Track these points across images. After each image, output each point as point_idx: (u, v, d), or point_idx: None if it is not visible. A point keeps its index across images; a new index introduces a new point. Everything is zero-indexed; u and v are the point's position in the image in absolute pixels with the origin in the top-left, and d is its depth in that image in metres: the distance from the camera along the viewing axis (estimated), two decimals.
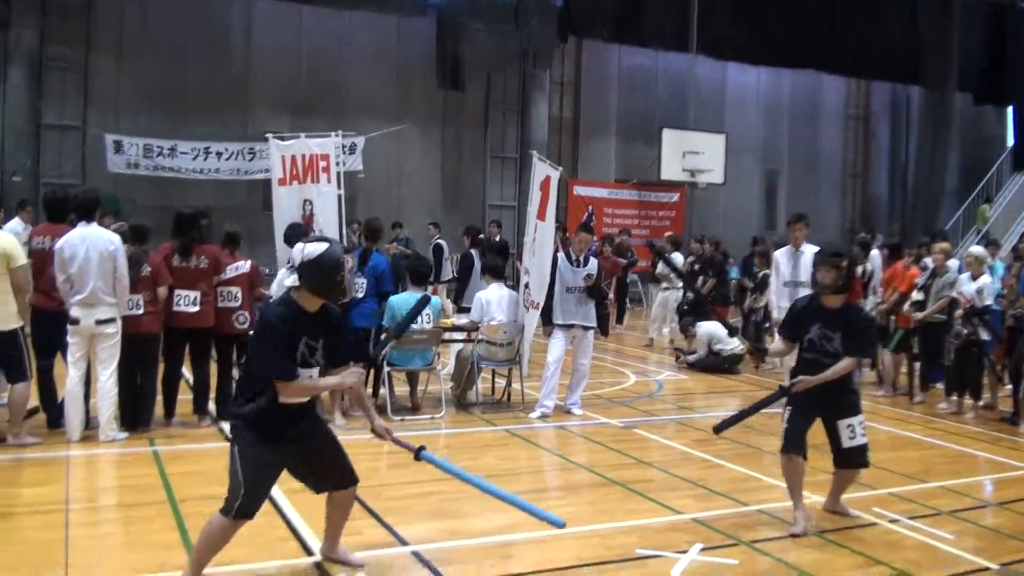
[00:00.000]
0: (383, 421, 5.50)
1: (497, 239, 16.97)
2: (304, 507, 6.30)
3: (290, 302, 4.92)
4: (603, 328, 17.53)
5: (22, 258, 7.89)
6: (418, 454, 5.38)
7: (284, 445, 4.98)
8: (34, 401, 8.38)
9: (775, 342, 7.07)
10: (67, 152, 21.73)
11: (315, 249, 4.86)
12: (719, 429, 6.62)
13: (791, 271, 10.47)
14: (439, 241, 18.13)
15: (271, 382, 4.83)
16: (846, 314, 6.35)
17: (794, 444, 6.36)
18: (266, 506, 6.24)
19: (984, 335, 10.49)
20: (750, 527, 6.32)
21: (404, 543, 5.78)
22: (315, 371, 4.99)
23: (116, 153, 20.81)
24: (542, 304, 10.23)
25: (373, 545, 5.67)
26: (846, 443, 6.37)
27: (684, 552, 5.70)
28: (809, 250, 10.50)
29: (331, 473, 5.27)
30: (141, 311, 8.42)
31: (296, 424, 5.01)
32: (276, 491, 6.39)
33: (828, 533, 6.21)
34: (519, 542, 5.91)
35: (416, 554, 5.61)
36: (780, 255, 10.68)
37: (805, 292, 10.06)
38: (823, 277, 6.32)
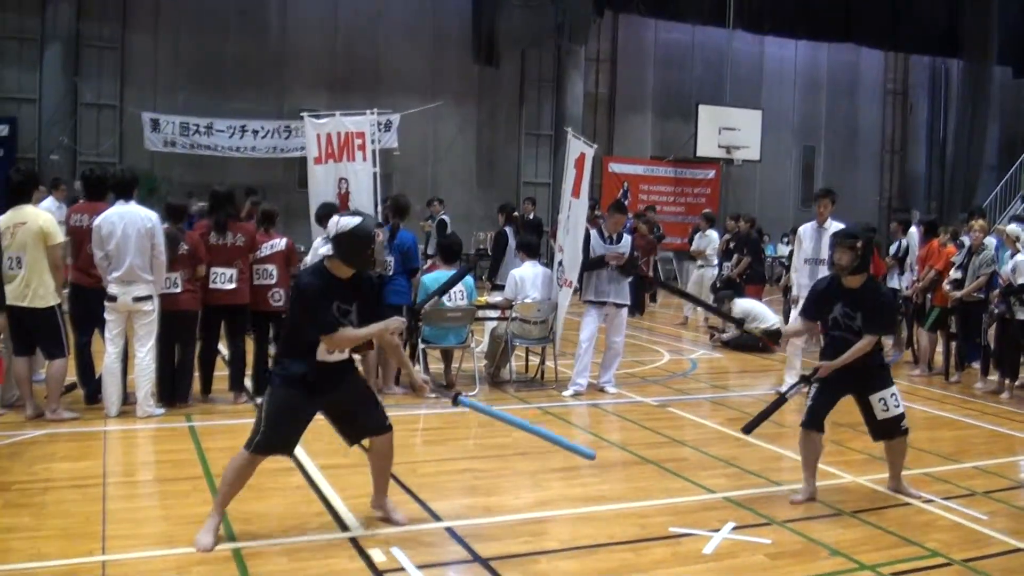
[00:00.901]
0: (419, 376, 5.91)
1: (531, 216, 16.97)
2: (339, 483, 6.38)
3: (323, 270, 5.37)
4: (638, 306, 17.55)
5: (59, 236, 8.01)
6: (455, 400, 5.73)
7: (310, 394, 5.34)
8: (72, 377, 8.49)
9: (793, 322, 7.09)
10: (104, 130, 21.94)
11: (348, 222, 5.31)
12: (748, 429, 6.69)
13: (813, 248, 10.18)
14: (443, 217, 18.09)
15: (308, 340, 5.25)
16: (866, 292, 6.39)
17: (813, 421, 6.46)
18: (301, 481, 6.36)
19: (1020, 314, 10.39)
20: (783, 506, 6.31)
21: (438, 519, 5.82)
22: (347, 331, 5.32)
23: (153, 131, 21.01)
24: (575, 283, 10.22)
25: (407, 521, 5.71)
26: (880, 415, 6.41)
27: (716, 530, 5.70)
28: (835, 227, 10.37)
29: (362, 420, 5.61)
30: (179, 289, 8.50)
31: (326, 378, 5.37)
32: (312, 467, 6.48)
33: (861, 513, 6.18)
34: (552, 519, 5.94)
35: (450, 530, 5.64)
36: (804, 231, 10.45)
37: (824, 270, 10.01)
38: (839, 258, 6.38)
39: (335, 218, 5.42)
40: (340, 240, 5.31)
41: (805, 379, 6.58)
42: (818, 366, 6.48)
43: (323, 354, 5.30)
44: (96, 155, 21.01)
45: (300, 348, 5.32)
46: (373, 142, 11.35)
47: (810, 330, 6.91)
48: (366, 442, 5.70)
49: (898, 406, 6.42)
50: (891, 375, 6.55)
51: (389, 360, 9.43)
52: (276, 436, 5.32)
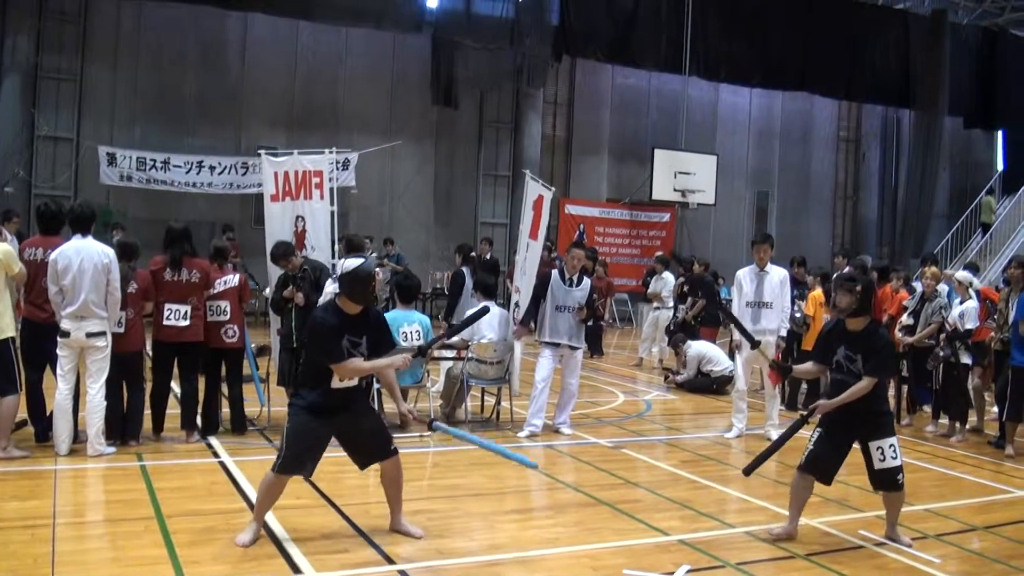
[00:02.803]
0: (407, 405, 6.50)
1: (488, 257, 16.99)
2: (290, 525, 6.33)
3: (334, 306, 6.11)
4: (595, 347, 17.62)
5: (18, 264, 7.91)
6: (431, 425, 6.64)
7: (325, 418, 6.01)
8: (22, 414, 8.34)
9: (806, 364, 7.14)
10: (60, 164, 21.74)
11: (352, 263, 6.03)
12: (749, 470, 6.72)
13: (754, 291, 10.35)
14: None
15: (323, 371, 5.92)
16: (867, 335, 6.45)
17: (811, 466, 6.49)
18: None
19: (965, 358, 10.59)
20: (737, 548, 6.33)
21: (391, 562, 5.78)
22: (358, 361, 6.00)
23: (109, 165, 20.80)
24: (522, 316, 10.28)
25: (360, 563, 5.67)
26: (877, 465, 6.41)
27: (671, 573, 5.71)
28: (775, 271, 10.49)
29: (369, 445, 6.25)
30: (122, 329, 8.41)
31: (338, 403, 6.05)
32: None
33: (815, 556, 6.22)
34: (506, 561, 5.92)
35: (403, 573, 5.61)
36: (743, 275, 10.49)
37: (768, 313, 10.17)
38: (839, 301, 6.50)
39: (342, 260, 6.23)
40: (344, 279, 6.03)
41: (804, 419, 6.62)
42: (814, 406, 6.55)
43: (335, 382, 5.96)
44: (51, 188, 20.83)
45: (316, 378, 6.00)
46: (331, 180, 11.31)
47: (822, 372, 6.95)
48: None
49: (895, 458, 6.40)
50: (894, 425, 6.57)
51: None
52: (296, 458, 5.99)
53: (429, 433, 9.67)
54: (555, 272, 10.26)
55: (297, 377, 6.47)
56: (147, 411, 8.84)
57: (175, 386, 9.16)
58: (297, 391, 6.20)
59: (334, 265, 10.46)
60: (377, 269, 6.24)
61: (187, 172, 21.39)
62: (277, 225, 11.03)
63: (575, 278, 10.13)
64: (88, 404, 8.06)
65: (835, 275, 7.16)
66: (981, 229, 28.02)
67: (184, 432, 8.96)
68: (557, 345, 10.09)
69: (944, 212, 30.10)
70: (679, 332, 15.01)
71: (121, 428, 8.51)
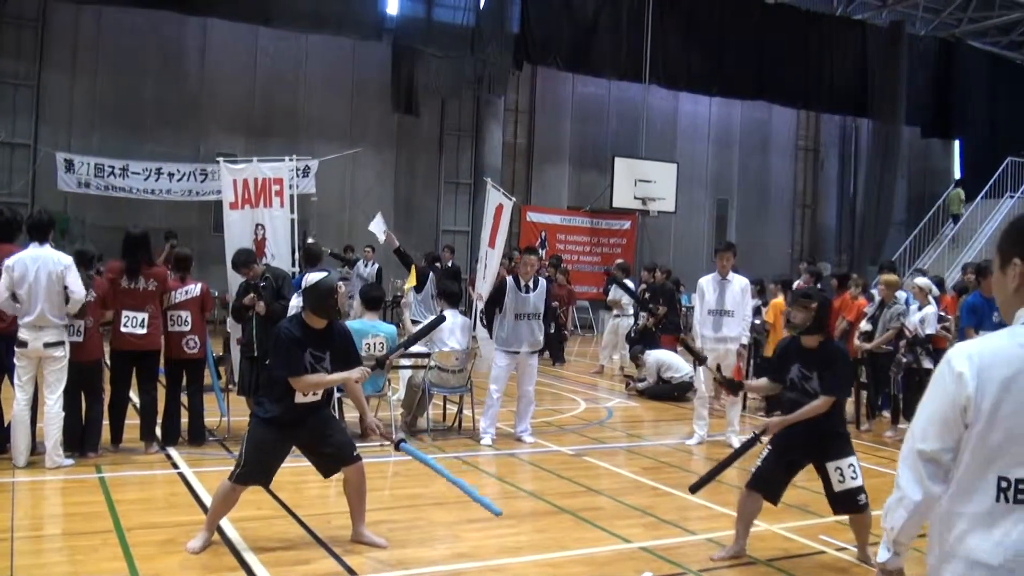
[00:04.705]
0: (373, 418, 6.49)
1: (450, 264, 17.00)
2: (250, 536, 6.28)
3: (299, 320, 6.15)
4: (557, 355, 17.63)
5: None
6: (397, 445, 6.32)
7: (286, 432, 6.06)
8: None
9: (760, 379, 7.04)
10: (17, 170, 21.50)
11: (314, 277, 6.12)
12: (695, 488, 6.55)
13: (716, 299, 10.35)
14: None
15: (284, 383, 5.90)
16: (822, 353, 6.26)
17: (758, 483, 6.32)
18: (213, 536, 6.21)
19: (927, 363, 10.71)
20: (699, 556, 6.35)
21: (352, 572, 5.75)
22: (312, 375, 6.01)
23: (67, 172, 20.61)
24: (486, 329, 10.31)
25: (321, 574, 5.64)
26: (836, 487, 6.20)
27: None
28: (737, 280, 10.53)
29: (332, 453, 6.22)
30: (81, 338, 8.31)
31: (299, 417, 6.06)
32: (224, 521, 6.36)
33: (776, 561, 6.26)
34: (468, 571, 5.90)
35: None
36: (706, 283, 10.49)
37: (730, 321, 10.23)
38: (793, 317, 6.29)
39: (307, 275, 6.24)
40: (306, 293, 6.09)
41: (756, 438, 6.43)
42: (766, 423, 6.41)
43: (299, 396, 5.97)
44: (8, 195, 20.55)
45: (278, 390, 5.97)
46: (291, 187, 11.26)
47: (774, 389, 6.81)
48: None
49: (856, 478, 6.18)
50: (851, 445, 6.36)
51: None
52: (254, 469, 6.02)
53: (388, 444, 9.63)
54: (510, 279, 10.24)
55: (258, 387, 6.40)
56: (105, 422, 8.75)
57: (134, 396, 9.06)
58: (259, 401, 6.19)
59: (295, 273, 10.43)
60: (340, 283, 6.24)
61: (145, 179, 21.25)
62: (236, 233, 10.96)
63: (530, 283, 10.13)
64: (46, 415, 7.95)
65: (793, 291, 7.05)
66: (952, 221, 28.47)
67: (143, 443, 8.87)
68: (515, 353, 10.09)
69: (902, 220, 30.46)
70: (639, 340, 15.05)
71: (80, 439, 8.40)
